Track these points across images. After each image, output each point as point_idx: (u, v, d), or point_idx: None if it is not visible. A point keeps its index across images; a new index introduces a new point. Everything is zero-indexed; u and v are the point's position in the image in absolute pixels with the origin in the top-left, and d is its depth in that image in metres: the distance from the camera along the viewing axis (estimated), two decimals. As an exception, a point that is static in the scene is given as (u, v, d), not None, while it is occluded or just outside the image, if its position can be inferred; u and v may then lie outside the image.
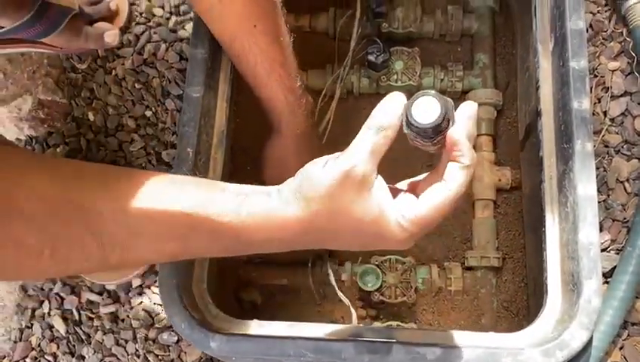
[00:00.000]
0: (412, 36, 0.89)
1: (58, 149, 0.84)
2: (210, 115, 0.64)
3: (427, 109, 0.41)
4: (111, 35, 0.82)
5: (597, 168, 0.67)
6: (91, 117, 0.84)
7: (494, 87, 0.88)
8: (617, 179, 0.67)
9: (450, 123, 0.42)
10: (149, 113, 0.83)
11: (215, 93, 0.67)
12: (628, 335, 0.66)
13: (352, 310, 0.68)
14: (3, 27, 0.76)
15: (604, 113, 0.69)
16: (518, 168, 0.86)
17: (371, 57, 0.90)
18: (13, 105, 0.85)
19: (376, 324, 0.76)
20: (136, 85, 0.84)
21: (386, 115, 0.43)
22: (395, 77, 0.90)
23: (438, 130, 0.42)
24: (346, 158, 0.42)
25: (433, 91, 0.42)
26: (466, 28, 0.93)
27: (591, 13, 0.71)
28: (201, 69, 0.63)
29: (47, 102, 0.84)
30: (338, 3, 0.95)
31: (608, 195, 0.67)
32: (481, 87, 0.85)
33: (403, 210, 0.43)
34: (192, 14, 0.86)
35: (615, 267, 0.66)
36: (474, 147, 0.92)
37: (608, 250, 0.67)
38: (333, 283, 0.73)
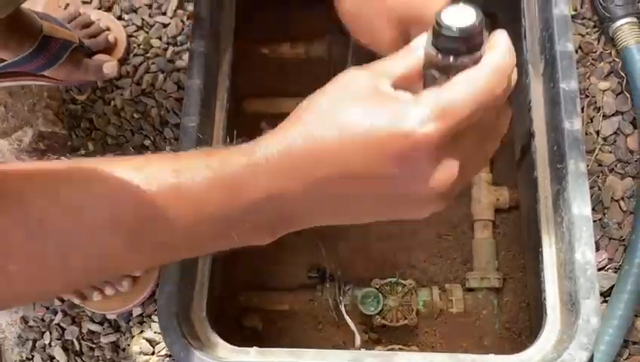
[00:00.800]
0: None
1: (58, 180, 0.85)
2: (206, 144, 0.65)
3: (460, 16, 0.32)
4: (109, 67, 0.83)
5: (591, 187, 0.67)
6: (91, 147, 0.85)
7: (489, 108, 0.89)
8: (612, 198, 0.68)
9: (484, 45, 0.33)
10: (147, 142, 0.84)
11: (212, 123, 0.68)
12: (629, 354, 0.65)
13: (357, 334, 0.68)
14: (5, 60, 0.77)
15: (597, 132, 0.70)
16: (515, 188, 0.86)
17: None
18: (14, 137, 0.86)
19: (379, 348, 0.76)
20: (134, 115, 0.85)
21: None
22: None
23: (474, 42, 0.32)
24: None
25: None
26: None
27: (580, 34, 0.72)
28: (196, 99, 0.64)
29: (48, 133, 0.85)
30: (332, 30, 0.97)
31: (604, 214, 0.68)
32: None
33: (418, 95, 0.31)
34: (188, 44, 0.87)
35: (613, 286, 0.66)
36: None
37: (606, 268, 0.67)
38: (342, 307, 0.73)
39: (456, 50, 0.32)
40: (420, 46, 0.33)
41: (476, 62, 0.32)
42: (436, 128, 0.30)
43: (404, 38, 0.46)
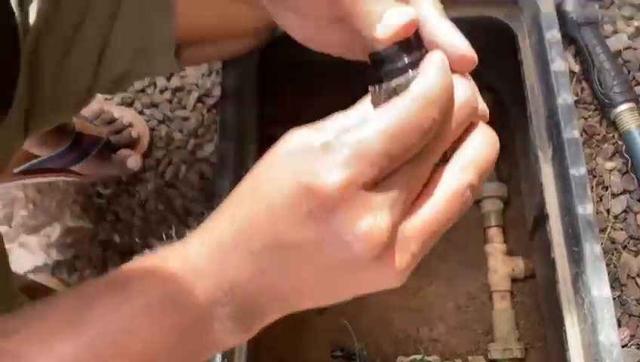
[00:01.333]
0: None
1: (85, 273, 0.87)
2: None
3: None
4: (134, 161, 0.87)
5: (607, 265, 0.70)
6: (117, 239, 0.88)
7: (498, 180, 0.93)
8: (628, 275, 0.70)
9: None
10: (172, 233, 0.87)
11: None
12: None
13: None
14: (40, 156, 0.81)
15: (607, 211, 0.73)
16: (529, 257, 0.89)
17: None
18: (43, 233, 0.89)
19: None
20: (159, 207, 0.88)
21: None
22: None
23: (403, 61, 0.29)
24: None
25: None
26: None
27: (583, 118, 0.76)
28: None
29: (75, 228, 0.88)
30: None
31: (622, 291, 0.70)
32: (485, 180, 0.90)
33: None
34: (209, 136, 0.92)
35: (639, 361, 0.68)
36: (485, 239, 0.93)
37: (629, 345, 0.68)
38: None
39: (388, 73, 0.29)
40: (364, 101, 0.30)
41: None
42: (344, 177, 0.26)
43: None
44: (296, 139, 0.28)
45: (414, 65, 0.28)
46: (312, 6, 0.32)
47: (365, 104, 0.29)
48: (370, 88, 0.29)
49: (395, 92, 0.28)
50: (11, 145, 0.54)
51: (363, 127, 0.26)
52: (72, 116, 0.64)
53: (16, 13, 0.49)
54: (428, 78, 0.27)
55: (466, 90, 0.29)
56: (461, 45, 0.29)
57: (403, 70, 0.28)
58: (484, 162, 0.29)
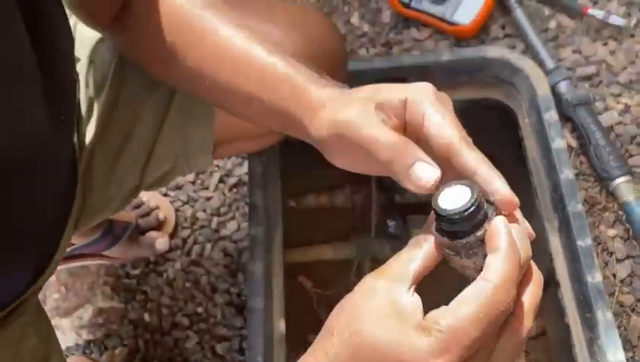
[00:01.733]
0: (425, 201, 1.01)
1: (116, 351, 0.90)
2: (268, 321, 0.72)
3: (456, 197, 0.33)
4: (162, 243, 0.92)
5: (618, 327, 0.74)
6: (147, 318, 0.92)
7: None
8: (639, 337, 0.75)
9: (489, 217, 0.34)
10: (200, 309, 0.91)
11: (270, 296, 0.75)
12: None
13: None
14: (75, 244, 0.86)
15: (614, 276, 0.78)
16: (540, 316, 0.93)
17: (391, 229, 1.02)
18: (75, 315, 0.92)
19: None
20: (186, 284, 0.93)
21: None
22: (414, 244, 1.01)
23: (474, 221, 0.33)
24: None
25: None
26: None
27: (584, 189, 0.82)
28: (260, 284, 0.72)
29: (106, 309, 0.92)
30: (352, 179, 1.08)
31: (634, 352, 0.74)
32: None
33: (427, 319, 0.32)
34: (231, 214, 0.97)
35: (654, 421, 0.71)
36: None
37: (644, 405, 0.72)
38: None
39: (457, 233, 0.33)
40: (429, 239, 0.35)
41: (482, 239, 0.33)
42: (444, 360, 0.30)
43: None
44: (383, 293, 0.33)
45: (480, 225, 0.33)
46: (358, 164, 0.40)
47: (424, 243, 0.35)
48: (439, 237, 0.34)
49: (466, 247, 0.34)
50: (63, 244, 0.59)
51: (458, 312, 0.31)
52: (116, 213, 0.69)
53: (75, 138, 0.55)
54: (504, 259, 0.32)
55: (523, 243, 0.34)
56: (505, 191, 0.34)
57: (472, 230, 0.33)
58: (537, 304, 0.34)
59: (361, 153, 0.38)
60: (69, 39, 0.46)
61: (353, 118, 0.38)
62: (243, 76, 0.45)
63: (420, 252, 0.34)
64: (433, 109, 0.36)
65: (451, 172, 0.36)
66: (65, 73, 0.45)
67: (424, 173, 0.35)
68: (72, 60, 0.47)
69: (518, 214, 0.36)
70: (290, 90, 0.43)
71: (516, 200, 0.35)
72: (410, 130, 0.38)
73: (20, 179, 0.38)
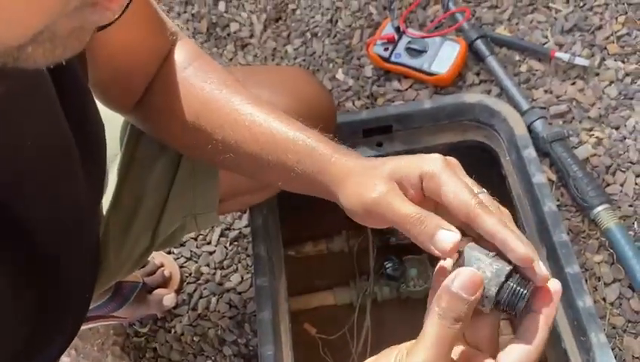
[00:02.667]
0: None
1: (129, 411, 0.92)
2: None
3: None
4: (169, 299, 0.94)
5: (612, 348, 0.78)
6: (157, 375, 0.93)
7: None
8: (633, 356, 0.78)
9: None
10: (209, 362, 0.93)
11: (279, 344, 0.78)
12: None
13: None
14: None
15: (604, 299, 0.82)
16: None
17: (389, 271, 1.06)
18: (87, 377, 0.94)
19: None
20: (194, 338, 0.95)
21: (463, 303, 0.36)
22: (412, 282, 1.05)
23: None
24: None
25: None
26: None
27: (567, 219, 0.88)
28: (268, 328, 0.75)
29: (117, 368, 0.94)
30: (349, 225, 1.12)
31: (630, 372, 0.78)
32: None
33: None
34: (234, 266, 1.00)
35: None
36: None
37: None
38: None
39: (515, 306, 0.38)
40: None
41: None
42: None
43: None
44: None
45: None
46: (384, 225, 0.44)
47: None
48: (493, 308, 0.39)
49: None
50: None
51: None
52: (128, 275, 0.72)
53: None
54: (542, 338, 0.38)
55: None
56: (520, 251, 0.38)
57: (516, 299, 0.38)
58: None
59: (387, 221, 0.43)
60: (98, 117, 0.50)
61: (380, 198, 0.42)
62: (268, 152, 0.50)
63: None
64: (447, 180, 0.41)
65: (471, 231, 0.41)
66: (97, 142, 0.49)
67: (446, 238, 0.39)
68: (102, 129, 0.51)
69: (537, 266, 0.40)
70: (317, 161, 0.47)
71: (531, 255, 0.39)
72: (429, 198, 0.43)
73: (67, 249, 0.42)
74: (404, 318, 1.07)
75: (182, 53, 0.56)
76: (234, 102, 0.52)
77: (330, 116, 0.77)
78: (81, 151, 0.43)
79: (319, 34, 1.14)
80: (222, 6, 1.23)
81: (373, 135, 0.95)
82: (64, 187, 0.41)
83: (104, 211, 0.62)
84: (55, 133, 0.40)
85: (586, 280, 0.84)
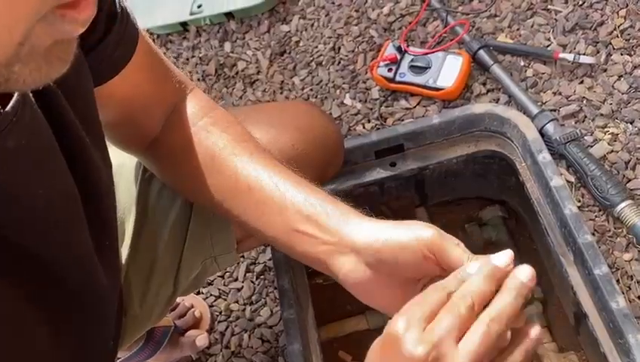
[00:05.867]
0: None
1: None
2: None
3: None
4: (202, 339, 0.95)
5: (654, 348, 0.75)
6: (197, 417, 0.94)
7: (531, 285, 1.01)
8: (676, 354, 0.75)
9: None
10: (247, 400, 0.93)
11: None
12: None
13: None
14: (119, 357, 0.89)
15: (638, 298, 0.80)
16: (580, 350, 0.94)
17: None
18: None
19: None
20: (230, 377, 0.95)
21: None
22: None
23: None
24: None
25: None
26: (486, 238, 1.10)
27: (591, 219, 0.86)
28: (300, 361, 0.75)
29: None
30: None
31: (675, 371, 0.75)
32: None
33: None
34: (263, 301, 1.01)
35: None
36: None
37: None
38: None
39: None
40: None
41: None
42: None
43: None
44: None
45: None
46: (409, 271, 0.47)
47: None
48: None
49: None
50: None
51: None
52: (157, 322, 0.73)
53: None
54: None
55: None
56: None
57: None
58: None
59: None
60: (108, 178, 0.52)
61: (437, 234, 0.45)
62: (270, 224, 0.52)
63: None
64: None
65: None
66: (107, 205, 0.51)
67: (504, 255, 0.42)
68: (113, 193, 0.53)
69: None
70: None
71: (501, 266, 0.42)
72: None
73: (78, 302, 0.43)
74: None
75: (194, 104, 0.59)
76: (247, 169, 0.53)
77: (338, 144, 0.78)
78: (85, 197, 0.44)
79: (324, 62, 1.16)
80: (227, 47, 1.26)
81: (385, 156, 0.96)
82: (75, 234, 0.43)
83: (122, 260, 0.63)
84: (62, 181, 0.42)
85: (618, 281, 0.82)
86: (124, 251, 0.63)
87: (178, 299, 1.01)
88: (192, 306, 1.01)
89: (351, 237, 0.48)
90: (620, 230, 0.84)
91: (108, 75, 0.53)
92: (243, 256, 1.05)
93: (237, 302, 1.02)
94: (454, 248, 0.44)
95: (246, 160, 0.54)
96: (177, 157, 0.57)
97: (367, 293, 0.50)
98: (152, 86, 0.58)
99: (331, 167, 0.81)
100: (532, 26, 1.06)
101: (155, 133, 0.59)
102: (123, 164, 0.65)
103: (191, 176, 0.56)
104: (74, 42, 0.33)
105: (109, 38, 0.50)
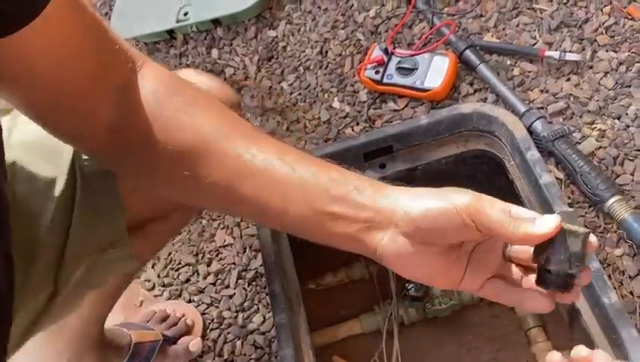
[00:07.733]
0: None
1: None
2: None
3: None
4: (195, 344, 0.94)
5: (648, 343, 0.75)
6: None
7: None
8: (670, 348, 0.75)
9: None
10: (241, 407, 0.92)
11: None
12: None
13: None
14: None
15: (631, 293, 0.80)
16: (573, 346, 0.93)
17: (411, 292, 1.05)
18: None
19: None
20: (223, 385, 0.94)
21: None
22: (437, 300, 1.04)
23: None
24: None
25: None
26: (478, 240, 1.10)
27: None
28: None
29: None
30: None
31: (668, 365, 0.75)
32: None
33: None
34: (255, 307, 1.00)
35: None
36: (529, 342, 1.00)
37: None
38: None
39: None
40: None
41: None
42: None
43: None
44: None
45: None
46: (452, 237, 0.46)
47: None
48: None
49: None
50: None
51: None
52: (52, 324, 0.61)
53: None
54: None
55: None
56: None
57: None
58: None
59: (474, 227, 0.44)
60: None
61: (476, 199, 0.45)
62: (294, 202, 0.48)
63: None
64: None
65: None
66: None
67: (549, 218, 0.44)
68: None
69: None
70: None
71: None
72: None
73: None
74: (433, 338, 1.05)
75: (153, 80, 0.50)
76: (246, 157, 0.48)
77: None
78: None
79: (311, 67, 1.16)
80: (215, 53, 1.26)
81: (375, 158, 0.96)
82: None
83: None
84: None
85: (610, 276, 0.81)
86: None
87: (168, 311, 1.00)
88: (184, 315, 0.99)
89: (388, 210, 0.46)
90: (610, 225, 0.84)
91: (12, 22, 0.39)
92: (234, 264, 1.04)
93: (229, 309, 1.01)
94: (493, 213, 0.43)
95: (254, 149, 0.48)
96: (155, 150, 0.48)
97: (407, 266, 0.47)
98: (85, 52, 0.45)
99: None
100: (518, 25, 1.06)
101: (106, 121, 0.48)
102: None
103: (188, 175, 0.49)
104: None
105: None
